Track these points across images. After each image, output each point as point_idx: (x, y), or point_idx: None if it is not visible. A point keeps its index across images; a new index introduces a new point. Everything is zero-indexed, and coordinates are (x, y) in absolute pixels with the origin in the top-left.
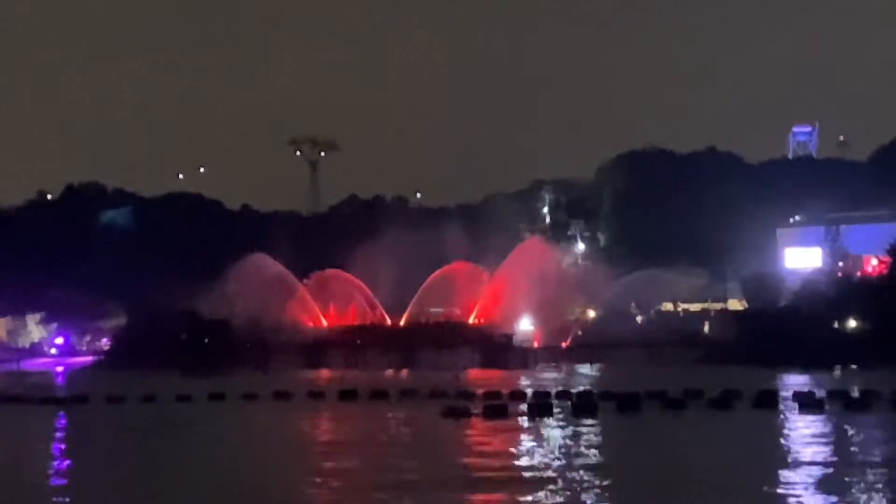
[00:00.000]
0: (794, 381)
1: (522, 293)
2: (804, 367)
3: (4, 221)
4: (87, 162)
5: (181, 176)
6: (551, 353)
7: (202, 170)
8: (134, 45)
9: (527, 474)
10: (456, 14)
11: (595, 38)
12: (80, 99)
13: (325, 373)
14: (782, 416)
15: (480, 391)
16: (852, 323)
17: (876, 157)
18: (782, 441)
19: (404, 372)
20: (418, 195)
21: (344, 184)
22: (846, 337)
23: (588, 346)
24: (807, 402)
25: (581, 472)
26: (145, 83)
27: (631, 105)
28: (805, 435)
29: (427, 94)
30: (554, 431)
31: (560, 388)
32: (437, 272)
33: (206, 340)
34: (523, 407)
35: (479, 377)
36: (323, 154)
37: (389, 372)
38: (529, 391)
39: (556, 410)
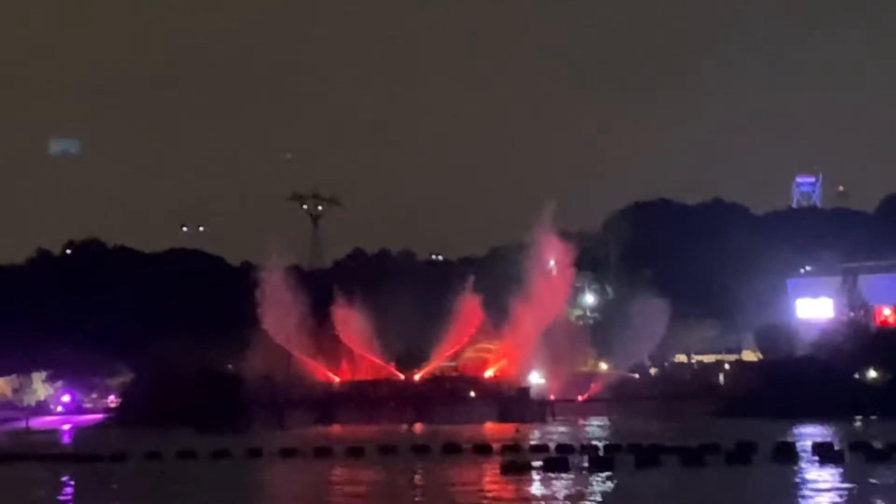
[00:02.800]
0: (826, 432)
1: (535, 345)
2: (824, 418)
3: (7, 279)
4: (85, 218)
5: (185, 228)
6: (568, 406)
7: (201, 228)
8: (130, 99)
9: None
10: (458, 67)
11: (596, 92)
12: (77, 154)
13: (337, 428)
14: (850, 469)
15: (527, 445)
16: (872, 373)
17: (883, 207)
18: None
19: (418, 426)
20: (433, 256)
21: (346, 239)
22: (866, 387)
23: (605, 399)
24: (871, 457)
25: None
26: (144, 137)
27: (632, 157)
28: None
29: (430, 148)
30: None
31: (610, 441)
32: (453, 327)
33: (220, 397)
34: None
35: (497, 431)
36: (321, 208)
37: (404, 427)
38: (577, 444)
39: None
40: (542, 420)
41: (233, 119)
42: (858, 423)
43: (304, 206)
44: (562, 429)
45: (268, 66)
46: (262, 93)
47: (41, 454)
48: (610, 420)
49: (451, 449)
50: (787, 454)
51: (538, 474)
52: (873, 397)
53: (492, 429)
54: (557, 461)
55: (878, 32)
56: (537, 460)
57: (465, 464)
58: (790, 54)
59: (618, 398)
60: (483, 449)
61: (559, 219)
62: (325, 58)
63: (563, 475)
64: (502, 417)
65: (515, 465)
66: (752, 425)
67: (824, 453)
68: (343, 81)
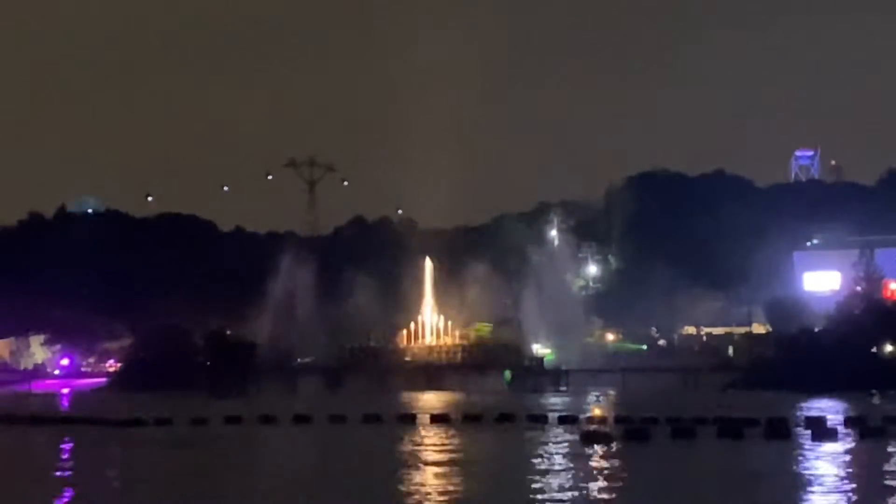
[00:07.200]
0: (854, 407)
1: (540, 314)
2: (842, 392)
3: (1, 242)
4: (80, 182)
5: (150, 198)
6: (580, 377)
7: (225, 188)
8: (130, 67)
9: None
10: (460, 35)
11: (599, 63)
12: (73, 118)
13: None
14: None
15: (582, 416)
16: (889, 347)
17: (885, 180)
18: None
19: (429, 395)
20: (399, 211)
21: (344, 206)
22: (883, 361)
23: (616, 370)
24: None
25: None
26: (140, 104)
27: (632, 128)
28: None
29: (431, 116)
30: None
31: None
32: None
33: (232, 362)
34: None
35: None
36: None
37: (415, 394)
38: (637, 416)
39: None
40: (556, 389)
41: (228, 84)
42: (875, 398)
43: (300, 174)
44: (585, 398)
45: (264, 31)
46: (259, 58)
47: (77, 418)
48: (623, 390)
49: (505, 418)
50: (876, 430)
51: (619, 444)
52: (891, 371)
53: (512, 398)
54: (639, 431)
55: (877, 7)
56: (604, 430)
57: (534, 433)
58: (789, 28)
59: (628, 369)
60: (538, 418)
61: (562, 188)
62: (322, 24)
63: (647, 446)
64: (516, 387)
65: (595, 434)
66: (784, 398)
67: None
68: (341, 48)
